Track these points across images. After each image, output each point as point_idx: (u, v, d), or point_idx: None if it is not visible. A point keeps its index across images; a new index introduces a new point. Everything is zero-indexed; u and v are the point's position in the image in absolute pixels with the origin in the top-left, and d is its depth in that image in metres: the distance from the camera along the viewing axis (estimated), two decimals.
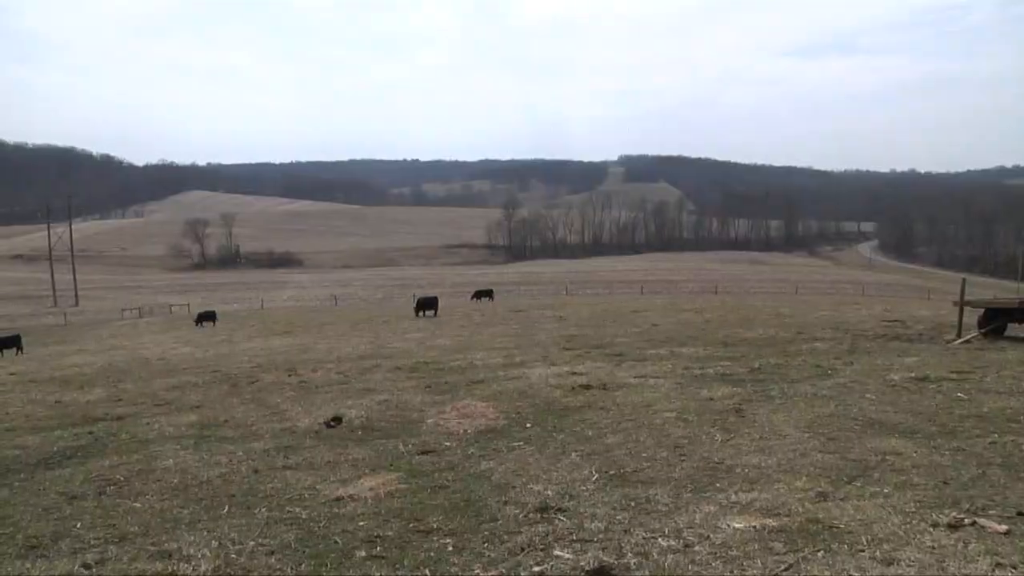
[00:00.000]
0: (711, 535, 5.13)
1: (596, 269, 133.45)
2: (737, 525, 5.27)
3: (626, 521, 5.51)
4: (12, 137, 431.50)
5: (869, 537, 4.94)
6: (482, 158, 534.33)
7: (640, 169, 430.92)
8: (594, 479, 6.58)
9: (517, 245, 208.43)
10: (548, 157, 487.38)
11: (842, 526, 5.17)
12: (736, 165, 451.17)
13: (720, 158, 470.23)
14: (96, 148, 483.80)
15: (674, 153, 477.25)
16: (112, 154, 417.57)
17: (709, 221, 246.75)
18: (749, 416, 8.69)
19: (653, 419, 8.79)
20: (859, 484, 6.08)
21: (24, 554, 5.73)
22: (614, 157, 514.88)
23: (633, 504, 5.86)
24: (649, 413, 9.14)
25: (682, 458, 7.08)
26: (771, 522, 5.28)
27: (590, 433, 8.32)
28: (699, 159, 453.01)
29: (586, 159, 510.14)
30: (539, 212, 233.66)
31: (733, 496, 5.90)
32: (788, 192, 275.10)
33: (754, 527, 5.22)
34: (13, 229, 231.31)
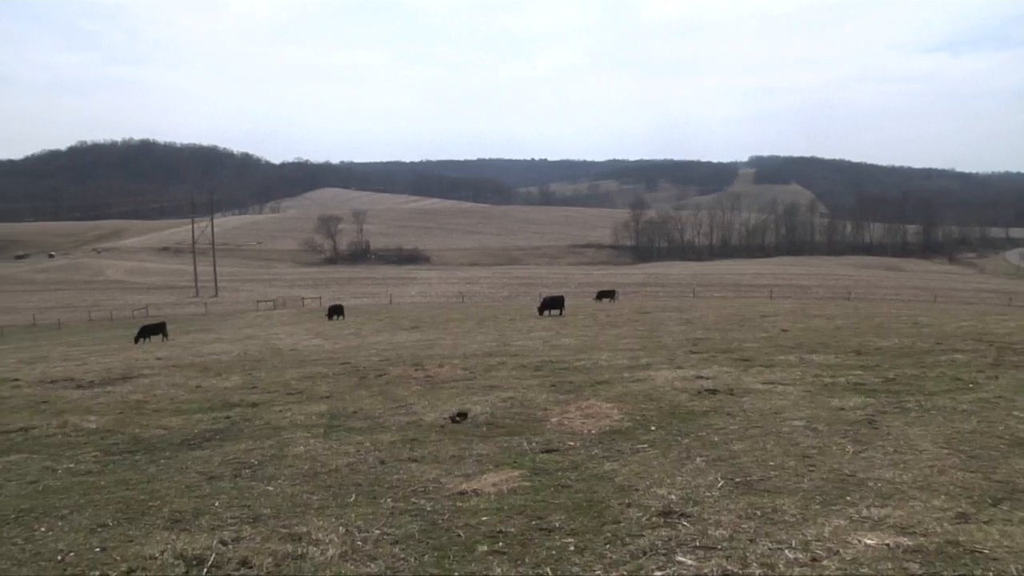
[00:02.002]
0: (841, 550, 4.96)
1: (724, 272, 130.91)
2: (869, 541, 5.08)
3: (751, 530, 5.40)
4: (162, 137, 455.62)
5: (1019, 567, 4.66)
6: (610, 158, 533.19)
7: (771, 170, 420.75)
8: (719, 486, 6.48)
9: (644, 246, 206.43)
10: (676, 157, 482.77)
11: (986, 551, 4.89)
12: (871, 166, 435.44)
13: (855, 159, 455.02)
14: (237, 147, 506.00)
15: (806, 154, 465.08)
16: (251, 152, 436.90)
17: (842, 224, 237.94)
18: (883, 428, 8.36)
19: (781, 427, 8.58)
20: (1006, 508, 5.72)
21: (170, 526, 6.10)
22: (744, 157, 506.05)
23: (759, 513, 5.73)
24: (777, 421, 8.92)
25: (811, 468, 6.88)
26: (906, 541, 5.07)
27: (716, 439, 8.19)
28: (832, 160, 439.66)
29: (715, 159, 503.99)
30: (667, 213, 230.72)
31: (864, 511, 5.68)
32: (927, 195, 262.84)
33: (887, 545, 5.01)
34: (161, 223, 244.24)
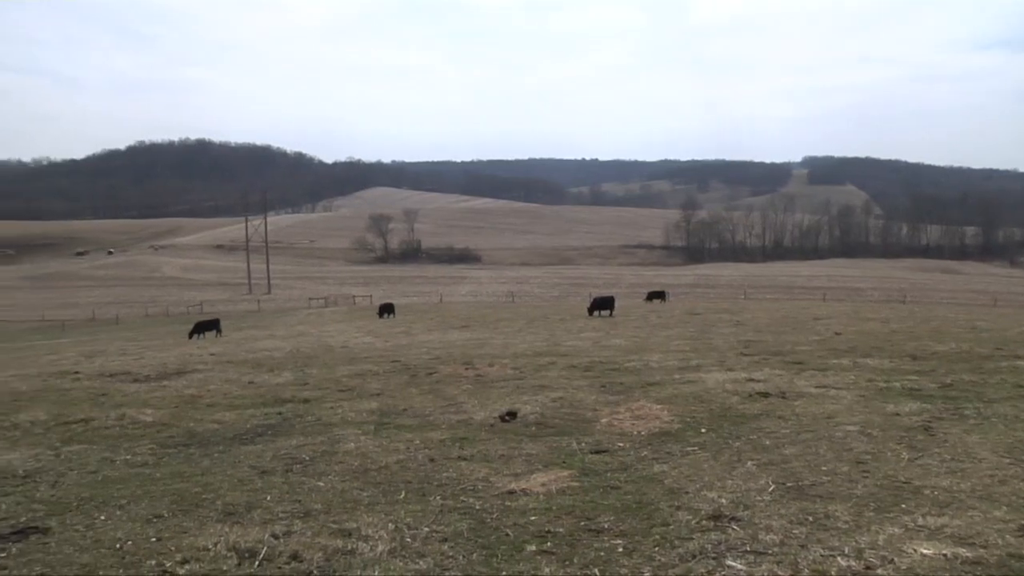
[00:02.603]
0: (895, 559, 4.87)
1: (776, 273, 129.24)
2: (925, 551, 4.98)
3: (803, 536, 5.34)
4: (218, 137, 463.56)
5: None
6: (661, 158, 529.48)
7: (825, 171, 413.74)
8: (770, 490, 6.41)
9: (695, 247, 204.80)
10: (729, 158, 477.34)
11: None
12: (929, 167, 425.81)
13: (911, 159, 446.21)
14: (290, 146, 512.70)
15: (861, 154, 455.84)
16: (304, 152, 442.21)
17: (898, 226, 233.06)
18: (939, 435, 8.18)
19: (834, 432, 8.45)
20: None
21: (223, 519, 6.22)
22: (797, 158, 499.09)
23: (811, 519, 5.66)
24: (830, 425, 8.79)
25: (864, 475, 6.77)
26: (964, 552, 4.95)
27: (767, 442, 8.10)
28: (888, 160, 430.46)
29: (768, 160, 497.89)
30: (718, 214, 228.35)
31: (920, 520, 5.57)
32: (987, 196, 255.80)
33: (944, 555, 4.90)
34: (216, 221, 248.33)
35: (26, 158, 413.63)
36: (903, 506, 5.90)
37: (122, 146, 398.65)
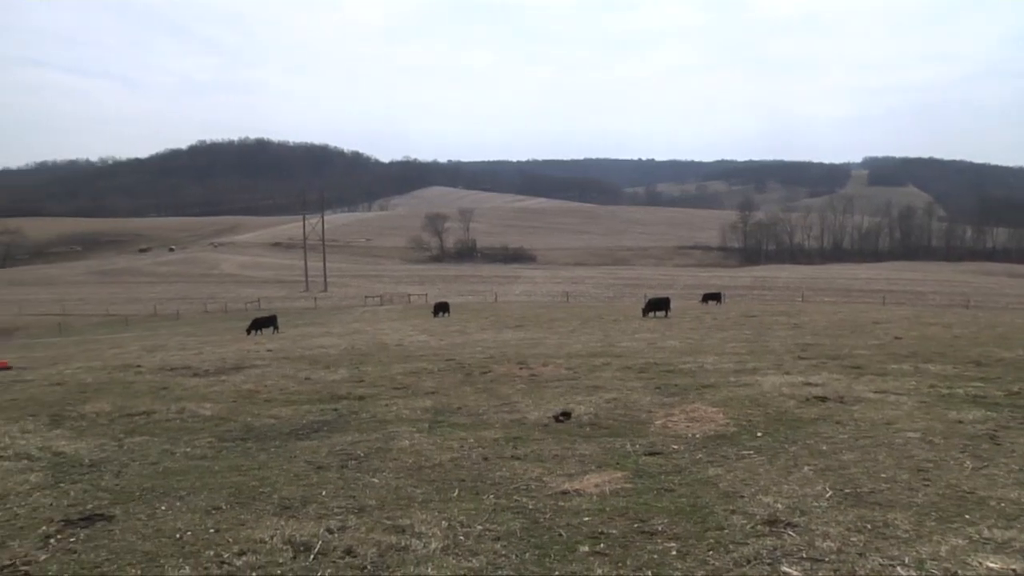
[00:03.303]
0: (959, 572, 4.75)
1: (834, 276, 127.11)
2: (992, 565, 4.83)
3: (861, 544, 5.23)
4: (276, 136, 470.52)
5: None
6: (718, 158, 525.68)
7: (885, 172, 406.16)
8: (827, 496, 6.30)
9: (752, 248, 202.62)
10: (787, 158, 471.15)
11: None
12: (996, 168, 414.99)
13: (977, 160, 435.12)
14: (347, 146, 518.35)
15: (924, 155, 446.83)
16: (361, 151, 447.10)
17: (962, 229, 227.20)
18: (1006, 444, 7.96)
19: (894, 438, 8.27)
20: None
21: (279, 513, 6.31)
22: (857, 159, 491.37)
23: (869, 527, 5.54)
24: (889, 432, 8.61)
25: (925, 483, 6.61)
26: None
27: (824, 447, 7.96)
28: (952, 161, 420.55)
29: (827, 160, 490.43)
30: (775, 215, 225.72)
31: (986, 531, 5.41)
32: None
33: (1013, 570, 4.75)
34: (274, 219, 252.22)
35: (93, 158, 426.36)
36: (967, 517, 5.73)
37: (184, 145, 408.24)
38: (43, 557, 5.49)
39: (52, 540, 5.82)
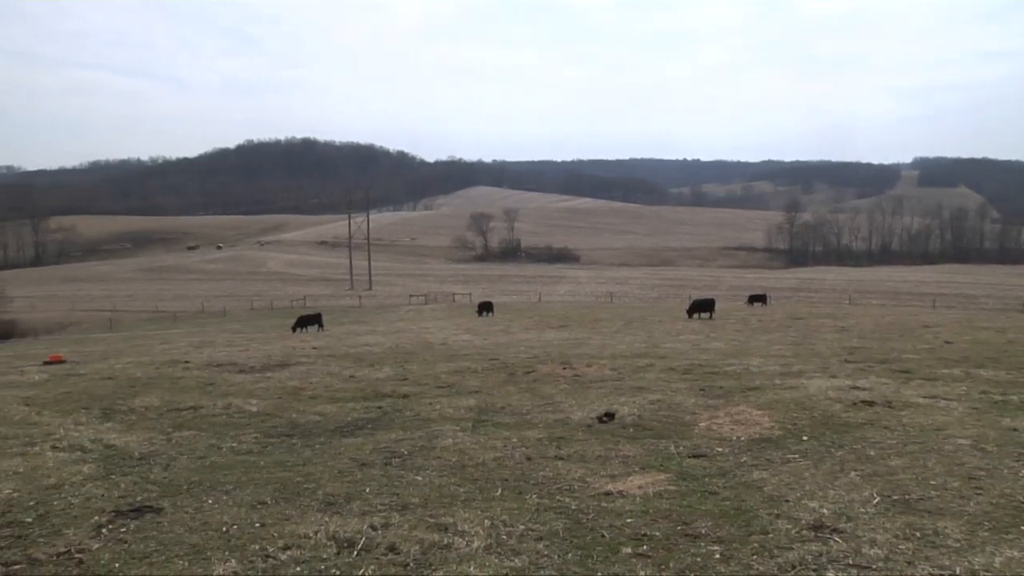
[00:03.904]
0: None
1: (883, 279, 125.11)
2: None
3: (910, 552, 5.14)
4: (322, 136, 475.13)
5: None
6: (764, 159, 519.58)
7: (936, 172, 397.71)
8: (874, 502, 6.20)
9: (798, 250, 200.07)
10: (834, 159, 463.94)
11: None
12: None
13: None
14: (393, 145, 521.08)
15: (976, 155, 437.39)
16: (407, 151, 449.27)
17: (1016, 231, 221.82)
18: None
19: (944, 445, 8.11)
20: None
21: (323, 508, 6.39)
22: (907, 159, 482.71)
23: (918, 535, 5.44)
24: (939, 438, 8.44)
25: (977, 491, 6.45)
26: None
27: (871, 452, 7.84)
28: (1007, 161, 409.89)
29: (876, 161, 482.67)
30: (822, 216, 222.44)
31: None
32: None
33: None
34: (319, 218, 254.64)
35: (144, 157, 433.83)
36: (1023, 527, 5.59)
37: (232, 145, 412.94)
38: (96, 546, 5.64)
39: (104, 530, 5.97)
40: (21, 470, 7.88)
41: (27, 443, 9.19)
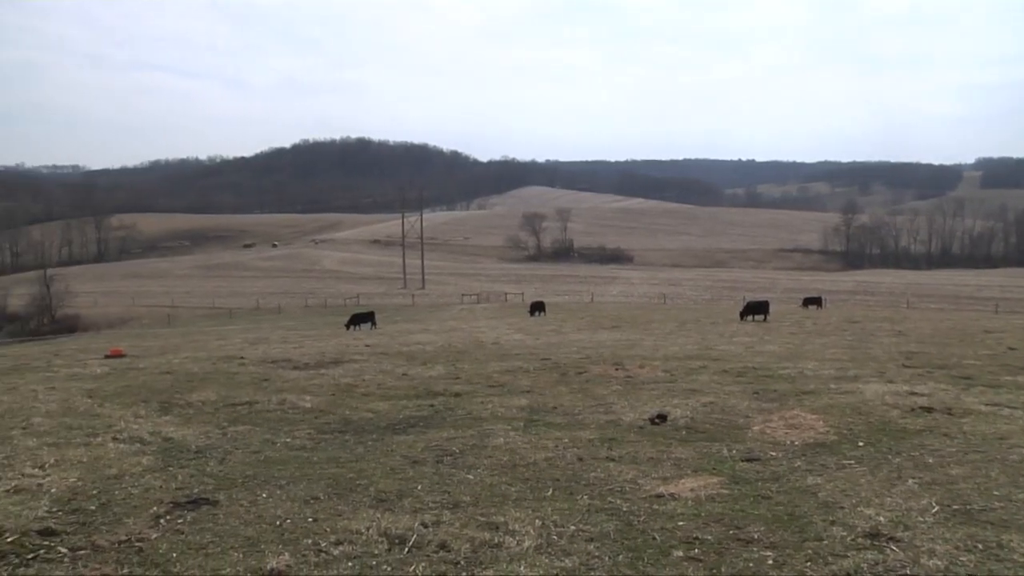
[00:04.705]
0: None
1: (942, 282, 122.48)
2: None
3: (971, 565, 5.00)
4: (377, 135, 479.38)
5: None
6: (821, 159, 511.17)
7: (1001, 173, 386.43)
8: (934, 511, 6.05)
9: (854, 252, 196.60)
10: (893, 159, 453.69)
11: None
12: None
13: None
14: (446, 145, 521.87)
15: None
16: (460, 151, 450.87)
17: None
18: None
19: (1008, 454, 7.89)
20: None
21: (375, 505, 6.45)
22: (970, 159, 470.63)
23: (980, 547, 5.29)
24: (1003, 447, 8.22)
25: None
26: None
27: (930, 460, 7.67)
28: None
29: (936, 161, 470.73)
30: (880, 218, 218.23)
31: None
32: None
33: None
34: (373, 217, 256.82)
35: (202, 156, 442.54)
36: None
37: (288, 144, 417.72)
38: (154, 536, 5.77)
39: (162, 520, 6.11)
40: (85, 460, 8.09)
41: (90, 434, 9.43)
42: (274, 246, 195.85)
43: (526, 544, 5.47)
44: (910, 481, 6.92)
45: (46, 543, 5.66)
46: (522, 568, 5.06)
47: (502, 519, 6.00)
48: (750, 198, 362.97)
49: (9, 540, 5.69)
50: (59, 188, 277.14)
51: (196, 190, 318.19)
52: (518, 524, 5.87)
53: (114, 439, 9.13)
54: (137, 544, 5.61)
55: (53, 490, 6.98)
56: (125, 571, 5.17)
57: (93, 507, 6.50)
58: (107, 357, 22.46)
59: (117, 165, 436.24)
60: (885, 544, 5.36)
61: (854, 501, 6.35)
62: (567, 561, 5.17)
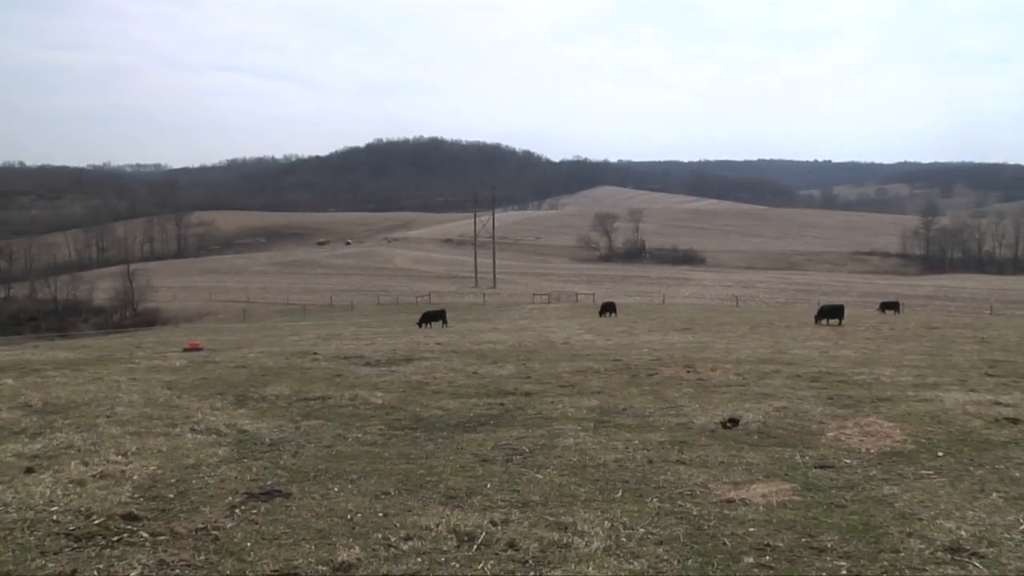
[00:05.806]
0: None
1: None
2: None
3: None
4: (449, 135, 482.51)
5: None
6: (899, 160, 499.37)
7: None
8: (1021, 528, 5.82)
9: (935, 256, 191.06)
10: (976, 160, 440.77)
11: None
12: None
13: None
14: (518, 145, 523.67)
15: None
16: (532, 150, 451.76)
17: None
18: None
19: None
20: None
21: (445, 502, 6.49)
22: None
23: None
24: None
25: None
26: None
27: (1017, 474, 7.38)
28: None
29: (1023, 162, 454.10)
30: (963, 221, 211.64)
31: None
32: None
33: None
34: (445, 216, 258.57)
35: (279, 155, 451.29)
36: None
37: (362, 143, 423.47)
38: (229, 525, 5.92)
39: (237, 510, 6.26)
40: (164, 449, 8.32)
41: (169, 424, 9.69)
42: (347, 244, 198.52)
43: (594, 545, 5.45)
44: (994, 495, 6.69)
45: (129, 527, 5.86)
46: (590, 569, 5.04)
47: (571, 519, 5.99)
48: (826, 200, 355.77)
49: (96, 522, 5.92)
50: (142, 186, 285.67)
51: (272, 188, 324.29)
52: (587, 525, 5.86)
53: (192, 430, 9.38)
54: (213, 532, 5.76)
55: (135, 477, 7.21)
56: (202, 558, 5.31)
57: (172, 495, 6.69)
58: (185, 350, 23.04)
59: (197, 164, 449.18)
60: (967, 560, 5.19)
61: (933, 513, 6.17)
62: (635, 564, 5.14)
